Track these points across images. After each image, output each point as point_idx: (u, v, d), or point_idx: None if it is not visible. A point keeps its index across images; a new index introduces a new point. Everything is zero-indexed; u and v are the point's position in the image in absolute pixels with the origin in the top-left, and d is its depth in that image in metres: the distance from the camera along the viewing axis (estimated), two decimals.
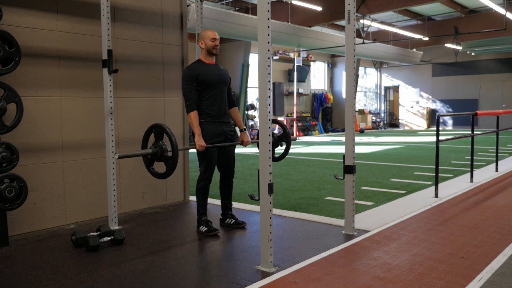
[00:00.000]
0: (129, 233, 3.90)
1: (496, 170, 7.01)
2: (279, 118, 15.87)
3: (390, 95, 22.88)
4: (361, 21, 14.25)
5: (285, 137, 4.19)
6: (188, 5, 8.56)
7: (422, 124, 20.84)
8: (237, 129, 4.19)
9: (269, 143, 2.94)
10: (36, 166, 4.02)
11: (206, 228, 3.86)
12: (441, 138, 5.37)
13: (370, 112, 21.45)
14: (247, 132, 4.15)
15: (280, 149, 4.28)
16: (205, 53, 3.92)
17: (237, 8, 13.61)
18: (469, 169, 6.27)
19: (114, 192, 4.09)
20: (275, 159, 4.16)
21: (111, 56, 3.98)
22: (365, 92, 22.19)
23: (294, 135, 15.87)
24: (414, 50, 19.17)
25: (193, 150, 3.89)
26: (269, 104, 2.94)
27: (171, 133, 3.39)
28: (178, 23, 5.15)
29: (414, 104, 21.44)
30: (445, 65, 20.43)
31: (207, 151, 3.80)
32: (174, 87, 5.11)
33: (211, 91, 3.85)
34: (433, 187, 5.49)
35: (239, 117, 4.14)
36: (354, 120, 3.76)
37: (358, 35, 15.12)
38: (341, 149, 10.95)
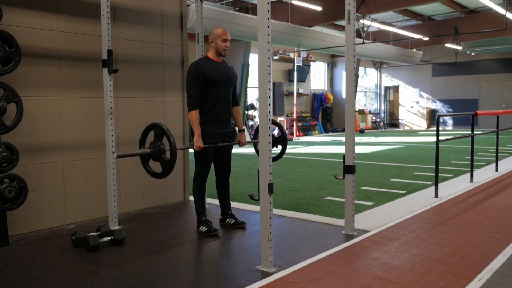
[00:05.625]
0: (129, 233, 3.90)
1: (496, 170, 7.01)
2: (279, 118, 15.88)
3: (390, 95, 22.87)
4: (361, 21, 14.25)
5: (282, 140, 4.19)
6: (188, 5, 8.56)
7: (422, 124, 20.84)
8: (236, 128, 4.18)
9: (269, 143, 2.94)
10: (36, 166, 4.02)
11: (206, 228, 3.86)
12: (441, 138, 5.37)
13: (370, 112, 21.45)
14: (245, 132, 4.17)
15: (275, 150, 4.28)
16: (214, 52, 3.87)
17: (237, 8, 13.61)
18: (469, 169, 6.27)
19: (114, 192, 4.09)
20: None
21: (111, 56, 3.98)
22: (365, 92, 22.18)
23: (294, 135, 15.86)
24: (414, 50, 19.17)
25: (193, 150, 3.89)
26: (269, 104, 2.94)
27: (171, 135, 3.38)
28: (178, 23, 5.15)
29: (414, 104, 21.44)
30: (445, 65, 20.42)
31: (204, 150, 3.80)
32: (174, 87, 5.11)
33: (215, 91, 3.82)
34: (433, 187, 5.49)
35: (240, 117, 4.13)
36: (354, 120, 3.76)
37: (358, 35, 15.11)
38: (341, 149, 10.95)
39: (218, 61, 3.89)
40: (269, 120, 2.94)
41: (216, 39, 3.82)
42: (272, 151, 4.07)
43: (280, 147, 4.27)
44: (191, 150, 3.83)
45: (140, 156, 3.56)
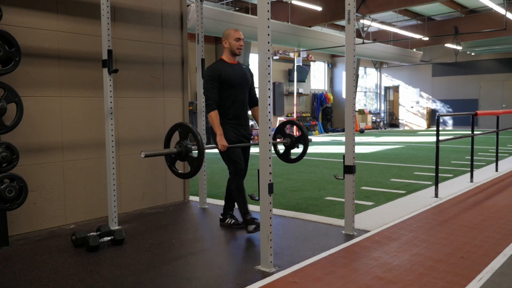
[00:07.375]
0: (129, 233, 3.90)
1: (496, 170, 7.01)
2: (279, 118, 15.88)
3: (390, 95, 22.88)
4: (361, 21, 14.25)
5: (303, 139, 4.25)
6: (188, 5, 8.56)
7: (422, 124, 20.84)
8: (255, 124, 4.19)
9: (269, 143, 2.94)
10: (36, 166, 4.02)
11: (254, 226, 3.73)
12: (441, 138, 5.37)
13: (370, 112, 21.45)
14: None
15: (297, 150, 4.34)
16: (228, 53, 3.90)
17: (237, 8, 13.61)
18: (469, 169, 6.27)
19: (114, 192, 4.09)
20: (292, 160, 4.32)
21: (111, 56, 3.98)
22: (365, 92, 22.19)
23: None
24: (414, 50, 19.17)
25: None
26: (269, 104, 2.94)
27: (198, 133, 3.34)
28: (178, 23, 5.15)
29: (414, 104, 21.44)
30: (445, 65, 20.43)
31: (232, 149, 3.78)
32: (174, 87, 5.11)
33: (232, 92, 3.83)
34: (433, 187, 5.49)
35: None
36: (354, 120, 3.76)
37: (358, 35, 15.11)
38: (341, 149, 10.95)
39: (233, 63, 3.92)
40: (269, 120, 2.94)
41: (229, 39, 3.85)
42: (293, 152, 4.21)
43: (301, 146, 4.31)
44: (215, 151, 3.78)
45: (166, 158, 3.53)
